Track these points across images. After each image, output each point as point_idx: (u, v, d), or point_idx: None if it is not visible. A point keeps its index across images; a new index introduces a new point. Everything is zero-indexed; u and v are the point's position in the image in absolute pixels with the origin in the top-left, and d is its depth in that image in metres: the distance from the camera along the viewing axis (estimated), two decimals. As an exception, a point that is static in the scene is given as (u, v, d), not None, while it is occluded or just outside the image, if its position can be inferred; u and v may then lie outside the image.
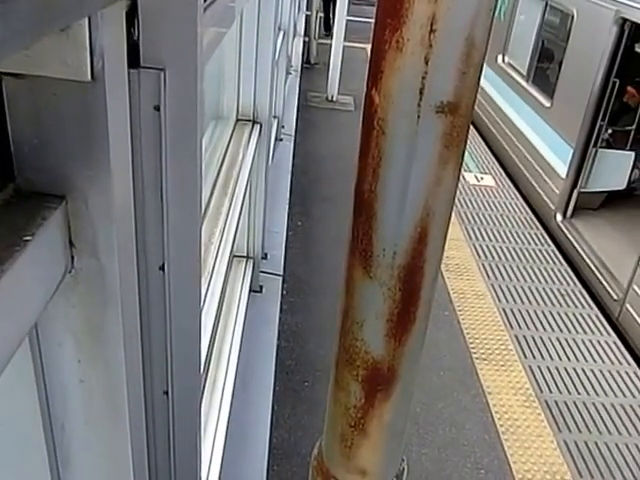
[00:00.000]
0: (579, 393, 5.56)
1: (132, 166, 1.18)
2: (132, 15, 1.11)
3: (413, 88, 1.09)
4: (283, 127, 8.59)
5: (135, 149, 1.20)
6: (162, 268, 1.35)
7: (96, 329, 1.07)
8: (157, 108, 1.19)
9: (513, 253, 7.82)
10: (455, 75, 1.08)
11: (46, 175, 0.93)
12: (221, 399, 3.21)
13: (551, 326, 6.46)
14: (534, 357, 5.97)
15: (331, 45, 12.80)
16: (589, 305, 6.93)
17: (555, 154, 8.90)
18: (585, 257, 7.83)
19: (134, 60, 1.15)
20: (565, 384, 5.66)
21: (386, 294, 1.31)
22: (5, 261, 0.77)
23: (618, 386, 5.70)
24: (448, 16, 1.02)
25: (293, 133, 9.01)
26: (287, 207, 6.69)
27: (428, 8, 1.02)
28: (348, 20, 12.76)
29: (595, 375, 5.81)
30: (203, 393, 2.90)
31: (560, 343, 6.21)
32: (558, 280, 7.33)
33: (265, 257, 5.08)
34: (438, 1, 1.00)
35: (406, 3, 1.03)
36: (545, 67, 9.99)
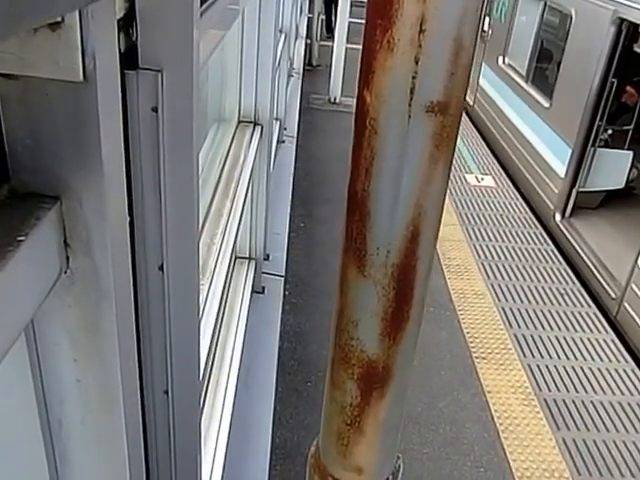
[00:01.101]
0: (577, 391, 5.57)
1: (130, 167, 1.19)
2: (130, 17, 1.12)
3: (404, 88, 1.10)
4: (285, 129, 8.58)
5: (133, 150, 1.21)
6: (161, 268, 1.36)
7: (92, 328, 1.07)
8: (155, 109, 1.20)
9: (512, 253, 7.83)
10: (444, 75, 1.09)
11: (40, 176, 0.93)
12: (224, 399, 3.22)
13: (550, 325, 6.47)
14: (533, 356, 5.98)
15: (333, 47, 12.82)
16: (588, 304, 6.94)
17: (554, 154, 8.91)
18: (584, 256, 7.84)
19: (132, 61, 1.16)
20: (564, 382, 5.67)
21: (380, 293, 1.32)
22: (-1, 261, 0.78)
23: (616, 384, 5.71)
24: (436, 16, 1.03)
25: (295, 135, 9.01)
26: (289, 209, 6.70)
27: (417, 8, 1.02)
28: (350, 22, 12.77)
29: (593, 373, 5.82)
30: (206, 393, 2.91)
31: (559, 342, 6.22)
32: (557, 279, 7.34)
33: (267, 258, 5.08)
34: (427, 1, 1.01)
35: (396, 4, 1.03)
36: (544, 68, 9.99)
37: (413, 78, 1.08)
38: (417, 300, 1.35)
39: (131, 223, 1.23)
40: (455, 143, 1.19)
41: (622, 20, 7.42)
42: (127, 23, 1.11)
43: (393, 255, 1.27)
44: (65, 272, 1.01)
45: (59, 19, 0.81)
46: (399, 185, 1.19)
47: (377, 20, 1.07)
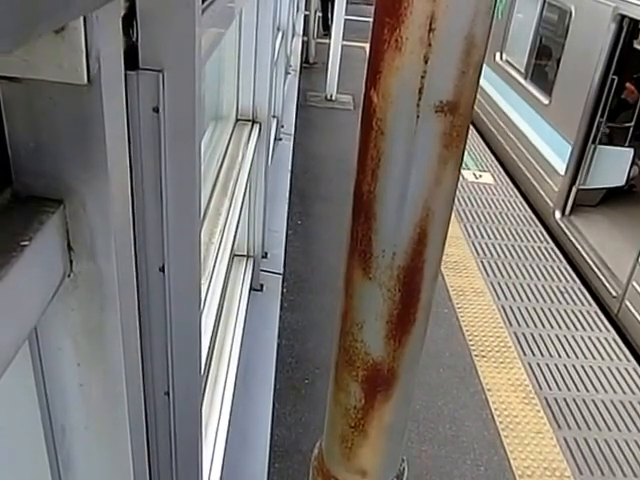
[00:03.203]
0: (578, 390, 5.57)
1: (131, 168, 1.18)
2: (130, 17, 1.10)
3: (412, 88, 1.08)
4: (282, 127, 8.58)
5: (134, 151, 1.20)
6: (162, 269, 1.35)
7: (95, 332, 1.06)
8: (156, 110, 1.19)
9: (512, 250, 7.82)
10: (455, 74, 1.07)
11: (43, 179, 0.92)
12: (222, 397, 3.22)
13: (550, 323, 6.47)
14: (533, 354, 5.97)
15: (330, 44, 12.85)
16: (588, 302, 6.94)
17: (554, 151, 8.90)
18: (584, 254, 7.83)
19: (133, 62, 1.14)
20: (564, 381, 5.66)
21: (386, 295, 1.31)
22: (3, 266, 0.77)
23: (617, 383, 5.71)
24: (447, 14, 1.01)
25: (292, 132, 9.00)
26: (287, 206, 6.71)
27: (427, 7, 1.00)
28: (346, 19, 12.82)
29: (594, 372, 5.82)
30: (204, 392, 2.91)
31: (559, 340, 6.22)
32: (557, 277, 7.33)
33: (265, 256, 5.09)
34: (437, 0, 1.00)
35: (405, 2, 1.01)
36: (543, 64, 9.99)
37: (422, 78, 1.06)
38: (424, 302, 1.34)
39: (132, 224, 1.22)
40: (465, 142, 1.17)
41: (623, 17, 7.42)
42: (127, 23, 1.10)
43: (399, 257, 1.25)
44: (69, 276, 1.00)
45: (63, 22, 0.80)
46: (406, 186, 1.17)
47: (385, 19, 1.05)
